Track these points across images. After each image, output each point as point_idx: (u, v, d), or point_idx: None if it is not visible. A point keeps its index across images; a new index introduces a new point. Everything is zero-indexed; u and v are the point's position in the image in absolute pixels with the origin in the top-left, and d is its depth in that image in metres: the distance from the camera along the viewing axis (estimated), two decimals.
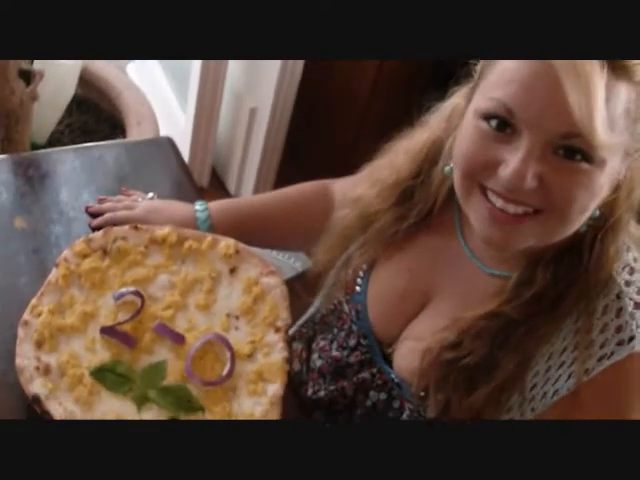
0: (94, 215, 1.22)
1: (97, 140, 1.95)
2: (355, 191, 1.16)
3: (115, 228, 1.11)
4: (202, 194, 1.38)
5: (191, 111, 2.44)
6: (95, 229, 1.18)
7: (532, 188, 0.84)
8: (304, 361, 1.25)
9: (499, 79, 0.86)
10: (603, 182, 0.86)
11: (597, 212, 0.91)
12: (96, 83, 1.97)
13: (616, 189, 0.91)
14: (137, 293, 1.05)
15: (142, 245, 1.11)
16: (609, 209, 0.92)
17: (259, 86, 2.35)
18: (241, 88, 2.44)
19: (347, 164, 1.22)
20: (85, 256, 1.07)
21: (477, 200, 0.90)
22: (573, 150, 0.83)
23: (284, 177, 2.51)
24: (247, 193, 2.56)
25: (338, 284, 1.17)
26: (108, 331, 1.02)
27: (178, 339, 1.03)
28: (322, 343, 1.21)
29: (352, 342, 1.16)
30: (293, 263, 1.77)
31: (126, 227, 1.11)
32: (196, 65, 2.32)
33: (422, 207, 1.07)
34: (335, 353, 1.18)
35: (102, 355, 1.01)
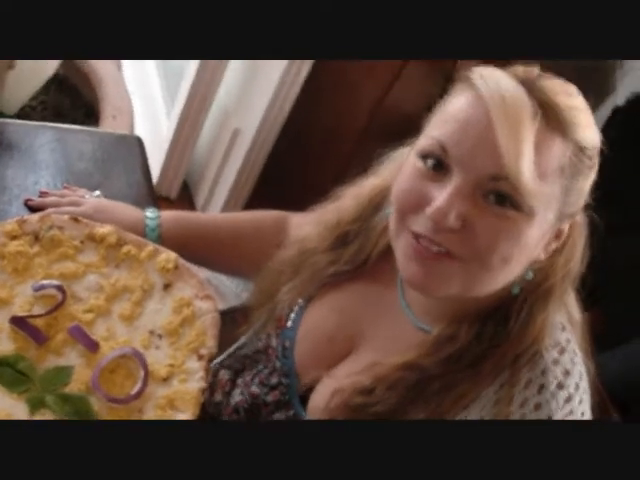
0: (34, 210, 1.14)
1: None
2: (301, 231, 1.15)
3: (54, 215, 1.04)
4: (167, 204, 1.32)
5: (175, 118, 2.39)
6: (34, 210, 1.11)
7: (454, 228, 0.83)
8: (226, 394, 1.19)
9: (439, 119, 0.88)
10: (531, 235, 0.85)
11: (530, 274, 0.91)
12: (81, 67, 1.91)
13: (553, 256, 0.91)
14: (60, 288, 0.98)
15: (78, 239, 1.04)
16: (544, 275, 0.92)
17: (248, 108, 2.31)
18: (229, 106, 2.40)
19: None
20: (14, 237, 1.00)
21: (404, 238, 0.89)
22: (502, 196, 0.83)
23: (253, 205, 2.45)
24: (214, 212, 2.49)
25: (271, 319, 1.12)
26: (18, 322, 0.94)
27: (92, 346, 0.96)
28: (247, 378, 1.16)
29: (274, 380, 1.10)
30: (240, 292, 1.69)
31: (66, 217, 1.04)
32: (189, 74, 2.27)
33: (359, 252, 1.06)
34: (254, 389, 1.12)
35: (5, 346, 0.93)
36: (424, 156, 0.87)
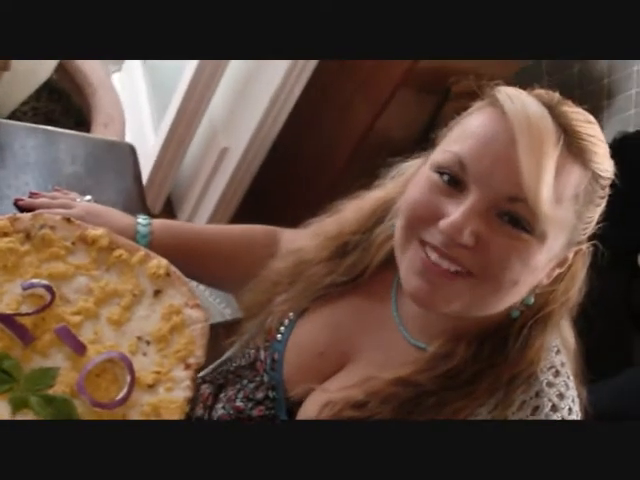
0: (24, 210, 1.12)
1: None
2: (296, 244, 1.14)
3: (46, 215, 1.03)
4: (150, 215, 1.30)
5: (163, 134, 2.38)
6: (24, 211, 1.09)
7: (468, 245, 0.83)
8: (208, 408, 1.17)
9: (459, 135, 0.88)
10: (540, 259, 0.85)
11: (531, 299, 0.91)
12: (74, 75, 1.90)
13: (555, 282, 0.91)
14: (49, 288, 0.96)
15: (69, 240, 1.02)
16: (545, 300, 0.92)
17: (237, 127, 2.30)
18: (218, 125, 2.39)
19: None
20: (5, 234, 0.99)
21: (413, 250, 0.88)
22: (517, 218, 0.83)
23: (237, 223, 2.44)
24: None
25: (260, 331, 1.11)
26: (5, 319, 0.92)
27: (79, 348, 0.94)
28: (230, 393, 1.14)
29: (259, 395, 1.09)
30: (223, 309, 1.69)
31: (58, 217, 1.03)
32: (179, 90, 2.27)
33: (357, 264, 1.05)
34: (239, 403, 1.10)
35: None
36: (440, 170, 0.87)
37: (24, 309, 0.94)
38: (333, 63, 2.14)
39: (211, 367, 1.22)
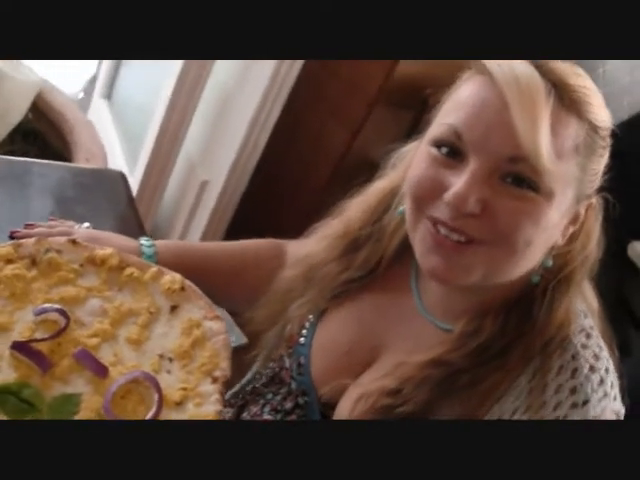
0: None
1: None
2: (304, 250, 1.12)
3: (50, 238, 0.98)
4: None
5: (139, 175, 2.34)
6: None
7: (474, 212, 0.82)
8: None
9: (452, 106, 0.89)
10: (551, 217, 0.84)
11: (550, 261, 0.90)
12: (49, 113, 1.86)
13: (571, 240, 0.91)
14: (62, 312, 0.91)
15: (77, 263, 0.98)
16: (563, 261, 0.91)
17: (215, 159, 2.28)
18: (196, 158, 2.36)
19: None
20: (9, 261, 0.94)
21: (423, 228, 0.88)
22: (520, 178, 0.82)
23: None
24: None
25: (281, 340, 1.09)
26: (20, 347, 0.87)
27: (100, 371, 0.89)
28: (253, 410, 1.11)
29: (289, 405, 1.06)
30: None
31: (64, 240, 0.99)
32: (153, 128, 2.24)
33: (371, 256, 1.04)
34: (267, 417, 1.07)
35: (7, 375, 0.85)
36: (438, 143, 0.87)
37: (38, 336, 0.89)
38: (306, 87, 2.14)
39: (231, 392, 1.18)
